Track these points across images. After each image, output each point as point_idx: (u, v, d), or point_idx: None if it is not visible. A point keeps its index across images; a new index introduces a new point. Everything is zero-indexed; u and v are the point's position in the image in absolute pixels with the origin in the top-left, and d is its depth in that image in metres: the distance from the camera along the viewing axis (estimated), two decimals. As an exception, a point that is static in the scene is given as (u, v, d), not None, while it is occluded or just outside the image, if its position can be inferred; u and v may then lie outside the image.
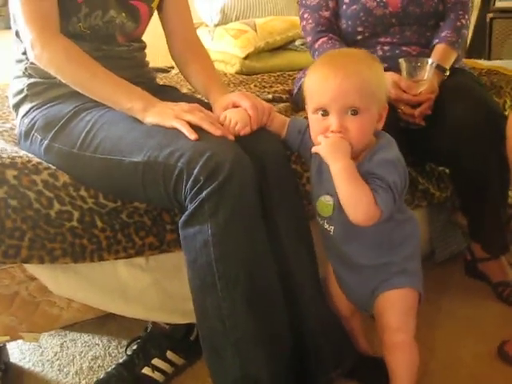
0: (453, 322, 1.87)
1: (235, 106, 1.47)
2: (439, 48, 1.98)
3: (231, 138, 1.38)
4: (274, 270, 1.36)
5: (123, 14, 1.58)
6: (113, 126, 1.44)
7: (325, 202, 1.39)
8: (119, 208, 1.49)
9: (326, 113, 1.30)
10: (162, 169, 1.31)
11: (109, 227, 1.48)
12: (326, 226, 1.41)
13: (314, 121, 1.34)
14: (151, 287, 1.58)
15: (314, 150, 1.33)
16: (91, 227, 1.46)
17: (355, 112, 1.28)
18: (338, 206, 1.34)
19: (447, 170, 2.01)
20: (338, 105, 1.27)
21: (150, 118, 1.40)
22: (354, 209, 1.28)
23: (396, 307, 1.40)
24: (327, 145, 1.28)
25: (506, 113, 2.16)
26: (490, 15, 3.53)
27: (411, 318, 1.41)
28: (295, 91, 2.22)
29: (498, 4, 3.51)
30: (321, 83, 1.30)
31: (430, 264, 2.10)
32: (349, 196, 1.28)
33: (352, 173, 1.27)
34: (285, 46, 2.92)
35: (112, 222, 1.48)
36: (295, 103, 2.18)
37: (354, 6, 2.02)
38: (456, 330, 1.83)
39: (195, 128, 1.35)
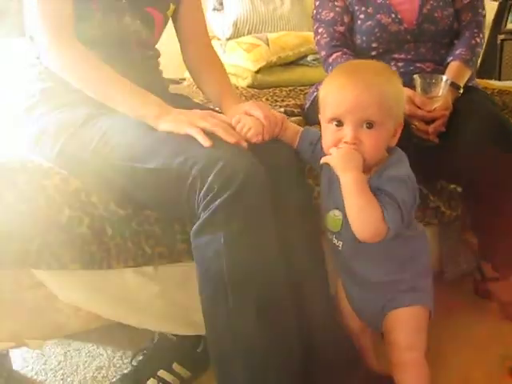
0: (461, 339, 1.85)
1: None
2: (453, 65, 1.97)
3: (244, 144, 1.37)
4: (285, 282, 1.34)
5: (138, 22, 1.58)
6: (126, 132, 1.42)
7: (333, 217, 1.37)
8: (130, 216, 1.47)
9: (340, 123, 1.28)
10: (176, 176, 1.30)
11: (118, 235, 1.46)
12: (335, 241, 1.39)
13: (328, 131, 1.32)
14: (159, 297, 1.56)
15: (324, 160, 1.31)
16: (101, 234, 1.44)
17: (371, 125, 1.26)
18: (346, 221, 1.31)
19: (459, 189, 1.99)
20: (354, 117, 1.25)
21: (164, 125, 1.39)
22: (361, 223, 1.26)
23: (406, 325, 1.37)
24: (339, 155, 1.27)
25: (519, 132, 2.15)
26: (502, 37, 3.54)
27: (422, 335, 1.38)
28: (307, 105, 2.21)
29: (510, 26, 3.52)
30: (338, 93, 1.28)
31: (439, 283, 2.05)
32: (357, 210, 1.25)
33: (363, 186, 1.25)
34: (297, 61, 2.93)
35: (122, 229, 1.46)
36: (307, 117, 2.17)
37: (369, 22, 2.02)
38: (466, 350, 1.80)
39: (209, 135, 1.34)
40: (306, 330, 1.39)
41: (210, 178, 1.25)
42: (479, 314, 1.99)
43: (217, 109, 1.67)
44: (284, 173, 1.42)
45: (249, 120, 1.42)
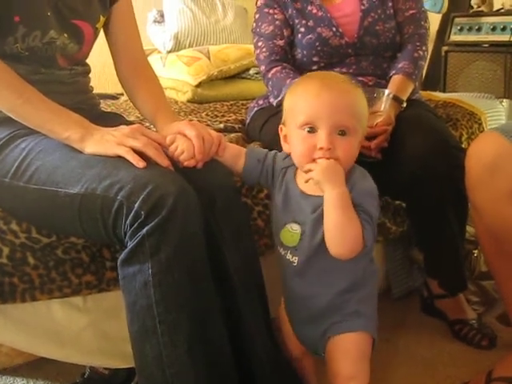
0: (409, 361, 1.80)
1: None
2: (396, 79, 1.94)
3: (172, 169, 1.30)
4: (220, 313, 1.27)
5: (65, 35, 1.49)
6: (49, 154, 1.33)
7: (290, 231, 1.30)
8: (54, 243, 1.38)
9: (312, 130, 1.24)
10: (101, 202, 1.21)
11: (42, 264, 1.37)
12: (289, 256, 1.32)
13: (299, 137, 1.27)
14: (89, 329, 1.48)
15: (307, 178, 1.25)
16: (22, 264, 1.36)
17: (343, 132, 1.23)
18: (307, 235, 1.27)
19: (404, 204, 1.96)
20: (329, 122, 1.22)
21: (90, 148, 1.30)
22: (341, 239, 1.21)
23: (349, 353, 1.31)
24: (323, 169, 1.22)
25: (463, 145, 2.14)
26: (446, 48, 3.55)
27: (365, 364, 1.31)
28: (248, 121, 2.15)
29: (453, 37, 3.53)
30: (313, 98, 1.25)
31: (386, 300, 2.03)
32: (340, 225, 1.20)
33: (348, 201, 1.20)
34: (239, 75, 2.88)
35: (46, 258, 1.38)
36: (248, 133, 2.11)
37: (310, 36, 1.98)
38: (412, 371, 1.76)
39: (139, 154, 1.27)
40: (244, 361, 1.33)
41: (136, 204, 1.17)
42: (427, 333, 1.96)
43: (152, 127, 1.59)
44: (220, 194, 1.36)
45: (183, 142, 1.35)
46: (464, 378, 1.66)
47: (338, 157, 1.23)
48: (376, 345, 1.34)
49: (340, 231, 1.21)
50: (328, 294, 1.32)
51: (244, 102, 2.68)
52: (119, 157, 1.27)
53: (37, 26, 1.43)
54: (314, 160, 1.24)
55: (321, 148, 1.22)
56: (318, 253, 1.26)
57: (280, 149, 1.58)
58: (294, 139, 1.29)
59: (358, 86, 1.33)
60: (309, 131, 1.25)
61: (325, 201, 1.22)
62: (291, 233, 1.31)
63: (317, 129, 1.24)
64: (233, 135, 2.01)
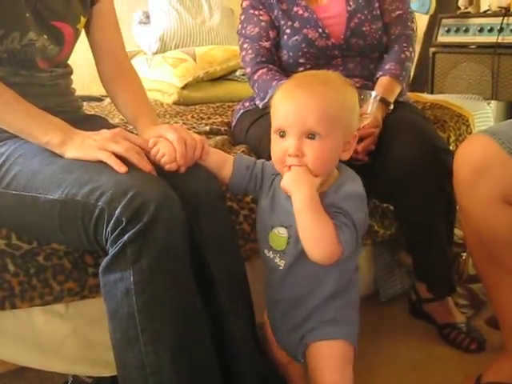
0: (397, 365, 1.78)
1: None
2: (383, 81, 1.92)
3: (154, 173, 1.27)
4: (204, 321, 1.24)
5: (45, 37, 1.45)
6: (29, 159, 1.31)
7: (278, 235, 1.28)
8: (35, 250, 1.35)
9: (284, 134, 1.22)
10: (81, 208, 1.19)
11: (22, 271, 1.34)
12: (277, 260, 1.29)
13: (274, 142, 1.26)
14: (71, 337, 1.45)
15: (282, 187, 1.24)
16: (2, 271, 1.32)
17: (313, 136, 1.19)
18: (293, 239, 1.24)
19: (391, 207, 1.94)
20: (297, 128, 1.19)
21: (71, 153, 1.28)
22: (315, 244, 1.18)
23: (331, 362, 1.28)
24: (291, 176, 1.20)
25: (451, 147, 2.12)
26: (433, 49, 3.54)
27: (346, 373, 1.29)
28: (234, 123, 2.13)
29: (440, 38, 3.52)
30: (283, 103, 1.22)
31: (373, 304, 2.01)
32: (310, 229, 1.18)
33: (316, 204, 1.18)
34: (225, 76, 2.85)
35: (27, 265, 1.35)
36: (233, 136, 2.09)
37: (296, 37, 1.96)
38: (401, 375, 1.73)
39: (121, 159, 1.24)
40: (230, 366, 1.31)
41: (117, 211, 1.14)
42: (415, 337, 1.94)
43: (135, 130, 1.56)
44: (204, 199, 1.33)
45: (165, 145, 1.32)
46: (453, 382, 1.65)
47: (308, 162, 1.20)
48: (357, 354, 1.31)
49: (311, 234, 1.18)
50: (311, 301, 1.29)
51: (230, 103, 2.64)
52: (100, 162, 1.25)
53: (15, 27, 1.39)
54: (289, 167, 1.22)
55: (289, 155, 1.21)
56: (303, 257, 1.23)
57: (265, 151, 1.55)
58: (272, 141, 1.28)
59: (340, 83, 1.27)
60: (281, 135, 1.23)
61: (293, 206, 1.20)
62: (278, 236, 1.28)
63: (287, 134, 1.22)
64: (218, 138, 1.98)
